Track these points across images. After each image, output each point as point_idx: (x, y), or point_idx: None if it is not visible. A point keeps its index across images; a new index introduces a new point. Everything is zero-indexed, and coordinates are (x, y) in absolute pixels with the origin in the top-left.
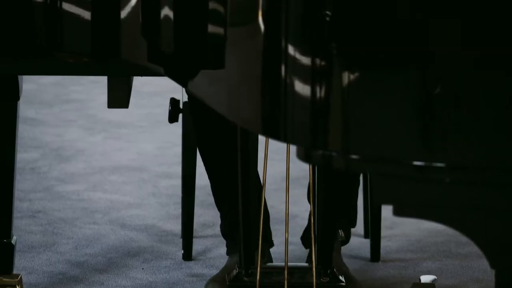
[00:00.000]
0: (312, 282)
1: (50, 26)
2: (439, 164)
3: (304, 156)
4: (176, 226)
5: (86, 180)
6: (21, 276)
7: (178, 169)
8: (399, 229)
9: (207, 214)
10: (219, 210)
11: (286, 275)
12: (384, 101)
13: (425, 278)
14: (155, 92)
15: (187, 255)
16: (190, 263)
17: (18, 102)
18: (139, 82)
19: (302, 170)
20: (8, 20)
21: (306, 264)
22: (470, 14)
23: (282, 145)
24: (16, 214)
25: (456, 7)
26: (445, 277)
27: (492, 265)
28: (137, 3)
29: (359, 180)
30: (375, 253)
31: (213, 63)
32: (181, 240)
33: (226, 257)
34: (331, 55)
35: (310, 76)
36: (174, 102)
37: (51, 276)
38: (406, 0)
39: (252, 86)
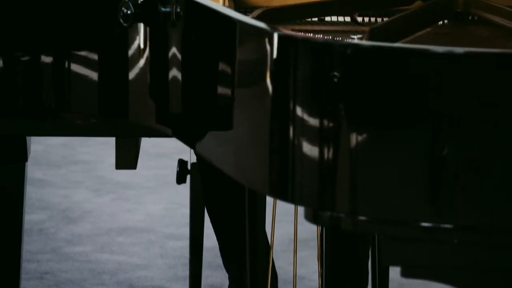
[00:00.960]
0: None
1: (58, 87)
2: (447, 225)
3: (312, 217)
4: None
5: (93, 241)
6: None
7: (185, 230)
8: None
9: (215, 276)
10: (227, 271)
11: None
12: (392, 163)
13: None
14: (163, 153)
15: None
16: None
17: (25, 163)
18: (147, 144)
19: (310, 232)
20: (16, 81)
21: None
22: (480, 80)
23: (290, 206)
24: (23, 275)
25: (464, 75)
26: None
27: None
28: (145, 64)
29: (369, 242)
30: None
31: (221, 124)
32: None
33: None
34: (339, 116)
35: (318, 137)
36: (182, 163)
37: None
38: (416, 61)
39: (260, 147)
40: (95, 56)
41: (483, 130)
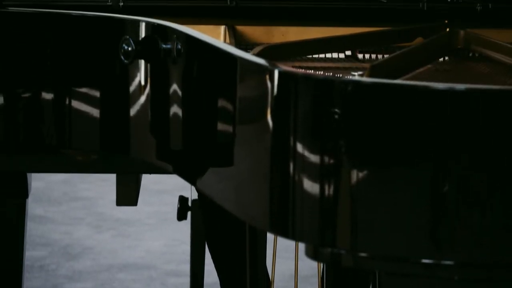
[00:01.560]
0: None
1: (59, 124)
2: (447, 262)
3: (312, 253)
4: None
5: (94, 278)
6: None
7: (186, 267)
8: None
9: None
10: None
11: None
12: (393, 199)
13: None
14: (163, 190)
15: None
16: None
17: (26, 199)
18: (147, 180)
19: (310, 268)
20: (17, 117)
21: None
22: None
23: (291, 243)
24: None
25: (466, 116)
26: None
27: None
28: (146, 100)
29: (370, 278)
30: None
31: (222, 160)
32: None
33: None
34: (340, 153)
35: (319, 174)
36: (182, 199)
37: None
38: (417, 98)
39: (261, 183)
40: (96, 93)
41: (484, 166)
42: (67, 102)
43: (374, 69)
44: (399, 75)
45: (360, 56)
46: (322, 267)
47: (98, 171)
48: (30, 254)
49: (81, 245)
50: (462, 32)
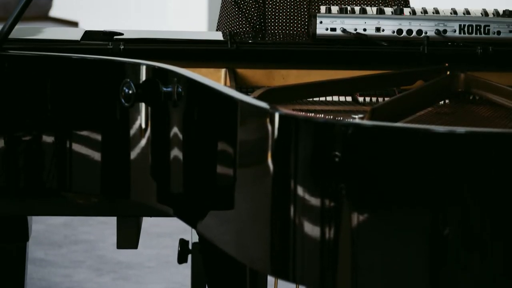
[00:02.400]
0: None
1: (59, 167)
2: None
3: None
4: None
5: None
6: None
7: None
8: None
9: None
10: None
11: None
12: (394, 243)
13: None
14: (164, 233)
15: None
16: None
17: (27, 242)
18: (147, 223)
19: None
20: (18, 161)
21: None
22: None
23: (291, 285)
24: None
25: (468, 162)
26: None
27: None
28: (146, 143)
29: None
30: None
31: (222, 203)
32: None
33: None
34: (341, 196)
35: (319, 217)
36: (183, 243)
37: None
38: (417, 141)
39: (261, 227)
40: (96, 136)
41: (485, 210)
42: (67, 145)
43: (375, 112)
44: (400, 118)
45: (360, 99)
46: None
47: (99, 214)
48: None
49: None
50: (462, 75)
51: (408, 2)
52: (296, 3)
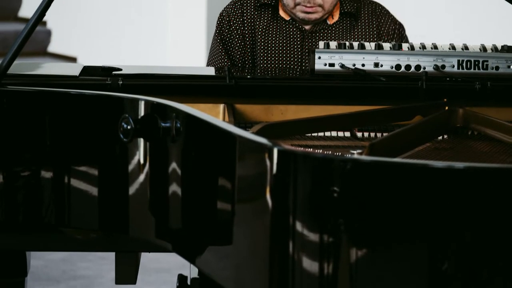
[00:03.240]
0: None
1: (58, 202)
2: None
3: None
4: None
5: None
6: None
7: None
8: None
9: None
10: None
11: None
12: (392, 278)
13: None
14: (162, 268)
15: None
16: None
17: (25, 278)
18: (146, 259)
19: None
20: (17, 197)
21: None
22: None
23: None
24: None
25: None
26: None
27: None
28: (145, 179)
29: None
30: None
31: (221, 239)
32: None
33: None
34: (339, 231)
35: (318, 252)
36: (182, 278)
37: None
38: (416, 176)
39: (260, 262)
40: (95, 171)
41: (483, 244)
42: (66, 180)
43: (373, 148)
44: (399, 153)
45: (359, 134)
46: None
47: (97, 249)
48: None
49: None
50: (461, 111)
51: (404, 35)
52: (290, 38)
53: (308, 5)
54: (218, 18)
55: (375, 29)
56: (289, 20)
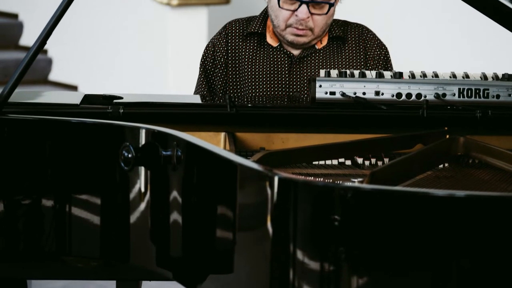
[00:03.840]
0: None
1: (59, 231)
2: None
3: None
4: None
5: None
6: None
7: None
8: None
9: None
10: None
11: None
12: None
13: None
14: None
15: None
16: None
17: None
18: (147, 287)
19: None
20: (17, 225)
21: None
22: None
23: None
24: None
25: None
26: None
27: None
28: (146, 207)
29: None
30: None
31: (222, 267)
32: None
33: None
34: (340, 259)
35: (319, 280)
36: None
37: None
38: (417, 204)
39: None
40: (96, 200)
41: (484, 272)
42: (67, 209)
43: (374, 176)
44: (399, 181)
45: (359, 161)
46: None
47: (98, 277)
48: None
49: None
50: (462, 139)
51: (389, 58)
52: (277, 64)
53: (300, 27)
54: (204, 49)
55: (362, 53)
56: (277, 46)
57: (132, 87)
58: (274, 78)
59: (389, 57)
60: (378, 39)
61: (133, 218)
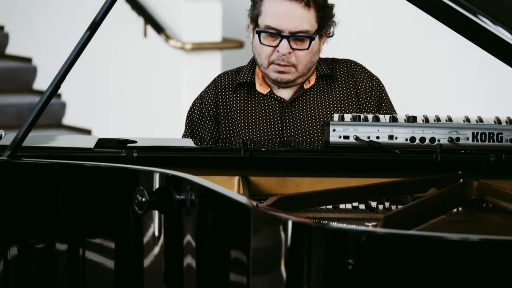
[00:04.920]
0: None
1: (73, 275)
2: None
3: None
4: None
5: None
6: None
7: None
8: None
9: None
10: None
11: None
12: None
13: None
14: None
15: None
16: None
17: None
18: None
19: None
20: (31, 269)
21: None
22: None
23: None
24: None
25: None
26: None
27: None
28: (160, 251)
29: None
30: None
31: None
32: None
33: None
34: None
35: None
36: None
37: None
38: (431, 248)
39: None
40: (110, 244)
41: None
42: (80, 252)
43: (388, 220)
44: (413, 225)
45: (373, 205)
46: None
47: None
48: None
49: None
50: (475, 183)
51: (383, 88)
52: (269, 111)
53: (282, 63)
54: (192, 103)
55: (353, 88)
56: (267, 93)
57: (146, 131)
58: (267, 125)
59: (382, 87)
60: (368, 71)
61: (147, 262)
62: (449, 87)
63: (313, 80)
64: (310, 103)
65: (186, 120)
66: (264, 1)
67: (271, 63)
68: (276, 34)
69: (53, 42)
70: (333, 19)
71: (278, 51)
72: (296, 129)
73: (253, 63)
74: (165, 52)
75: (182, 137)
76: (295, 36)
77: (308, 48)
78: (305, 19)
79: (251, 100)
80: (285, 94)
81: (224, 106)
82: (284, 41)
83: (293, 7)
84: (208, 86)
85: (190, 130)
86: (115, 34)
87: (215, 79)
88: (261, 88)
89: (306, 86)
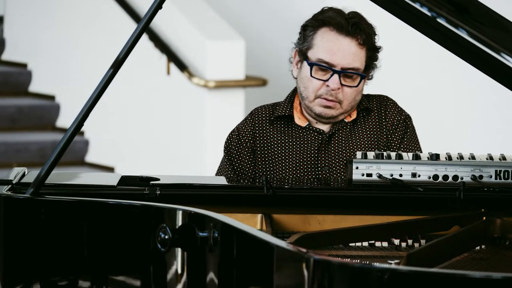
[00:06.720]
0: None
1: None
2: None
3: None
4: None
5: None
6: None
7: None
8: None
9: None
10: None
11: None
12: None
13: None
14: None
15: None
16: None
17: None
18: None
19: None
20: None
21: None
22: None
23: None
24: None
25: None
26: None
27: None
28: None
29: None
30: None
31: None
32: None
33: None
34: None
35: None
36: None
37: None
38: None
39: None
40: (133, 281)
41: None
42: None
43: (411, 258)
44: (436, 263)
45: (396, 242)
46: None
47: None
48: None
49: None
50: (498, 221)
51: (410, 125)
52: (307, 143)
53: (330, 98)
54: (228, 135)
55: (383, 120)
56: (306, 126)
57: (169, 168)
58: (304, 157)
59: (409, 123)
60: (399, 106)
61: None
62: (470, 122)
63: (354, 114)
64: (347, 136)
65: (224, 152)
66: (317, 34)
67: (317, 97)
68: (328, 68)
69: (76, 80)
70: (377, 61)
71: (327, 85)
72: (333, 161)
73: (291, 97)
74: (188, 90)
75: (218, 170)
76: (346, 72)
77: (357, 86)
78: (358, 57)
79: (289, 132)
80: (324, 127)
81: (262, 138)
82: (335, 76)
83: (347, 43)
84: (245, 119)
85: (229, 162)
86: (138, 72)
87: (252, 111)
88: (300, 121)
89: (347, 120)
